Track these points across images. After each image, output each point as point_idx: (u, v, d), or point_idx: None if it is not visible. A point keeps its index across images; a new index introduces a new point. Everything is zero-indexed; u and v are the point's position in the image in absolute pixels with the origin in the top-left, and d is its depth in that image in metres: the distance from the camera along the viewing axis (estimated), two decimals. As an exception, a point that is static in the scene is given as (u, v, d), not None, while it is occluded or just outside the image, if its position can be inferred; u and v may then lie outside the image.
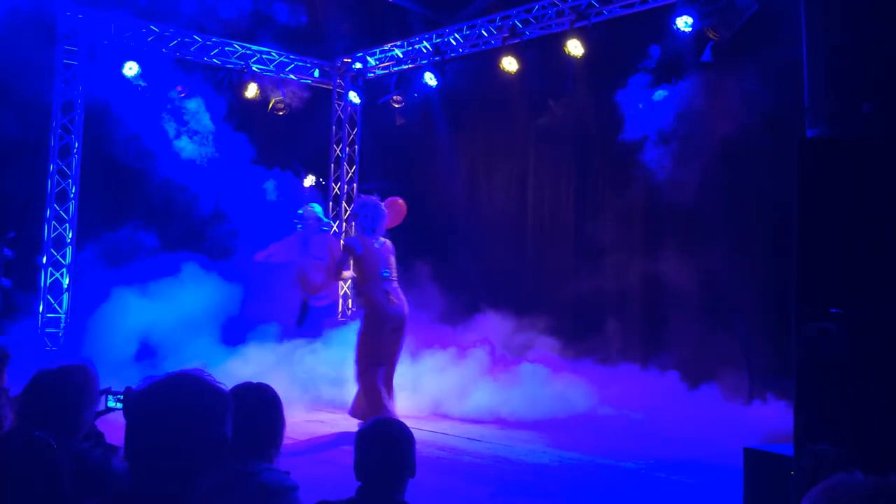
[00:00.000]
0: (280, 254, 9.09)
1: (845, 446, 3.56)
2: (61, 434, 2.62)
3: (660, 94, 8.98)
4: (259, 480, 2.53)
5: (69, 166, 10.15)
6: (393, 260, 7.44)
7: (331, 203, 12.20)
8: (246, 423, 2.24)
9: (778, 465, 4.24)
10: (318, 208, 9.15)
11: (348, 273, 7.55)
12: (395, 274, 7.41)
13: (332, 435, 7.20)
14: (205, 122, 10.45)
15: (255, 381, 2.80)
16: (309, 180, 9.78)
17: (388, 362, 7.24)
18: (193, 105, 10.46)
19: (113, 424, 2.98)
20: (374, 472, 2.66)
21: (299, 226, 8.98)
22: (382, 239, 7.49)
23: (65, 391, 2.76)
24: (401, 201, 9.51)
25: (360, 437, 2.73)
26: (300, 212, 9.17)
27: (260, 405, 2.70)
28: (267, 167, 10.82)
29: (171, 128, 10.26)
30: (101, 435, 3.08)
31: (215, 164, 10.44)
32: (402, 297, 7.40)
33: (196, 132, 10.44)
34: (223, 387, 1.95)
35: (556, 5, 9.48)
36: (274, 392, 2.79)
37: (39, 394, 2.73)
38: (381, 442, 2.70)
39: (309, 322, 9.15)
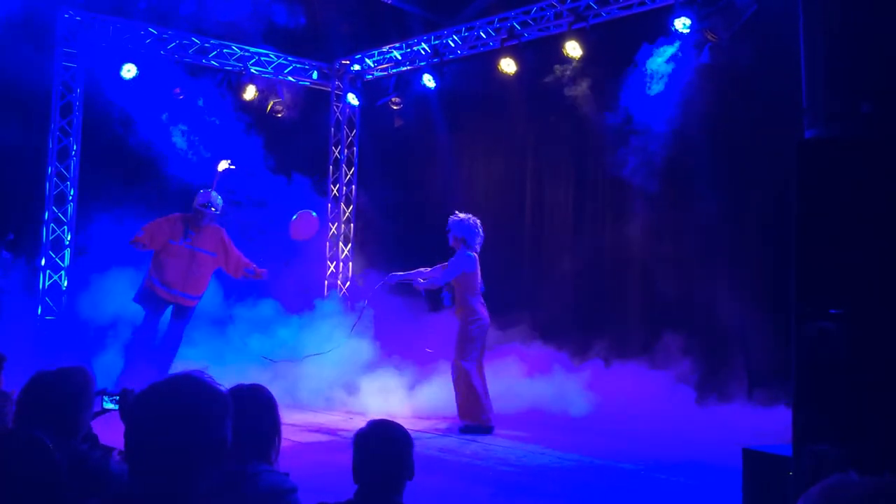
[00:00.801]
0: (156, 240, 8.17)
1: (845, 447, 3.55)
2: (60, 435, 2.61)
3: (658, 95, 8.97)
4: (259, 482, 2.53)
5: (67, 169, 10.14)
6: None
7: (329, 205, 12.18)
8: (244, 425, 2.23)
9: (777, 466, 4.24)
10: (220, 199, 8.54)
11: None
12: None
13: (331, 435, 7.20)
14: (203, 122, 10.45)
15: (247, 382, 2.80)
16: (223, 164, 9.20)
17: (481, 363, 7.81)
18: (191, 106, 10.45)
19: (107, 425, 2.99)
20: (372, 475, 2.66)
21: (213, 209, 8.33)
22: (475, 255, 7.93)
23: (64, 393, 2.76)
24: (314, 214, 9.31)
25: (359, 439, 2.73)
26: (210, 193, 8.44)
27: (256, 406, 2.70)
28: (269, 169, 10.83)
29: (169, 128, 10.24)
30: (94, 437, 3.08)
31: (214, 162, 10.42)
32: None
33: (194, 132, 10.43)
34: (223, 388, 1.95)
35: (554, 7, 9.48)
36: (269, 393, 2.80)
37: (38, 395, 2.74)
38: (380, 444, 2.70)
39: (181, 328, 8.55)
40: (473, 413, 7.54)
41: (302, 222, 9.26)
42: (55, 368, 2.81)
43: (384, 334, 9.85)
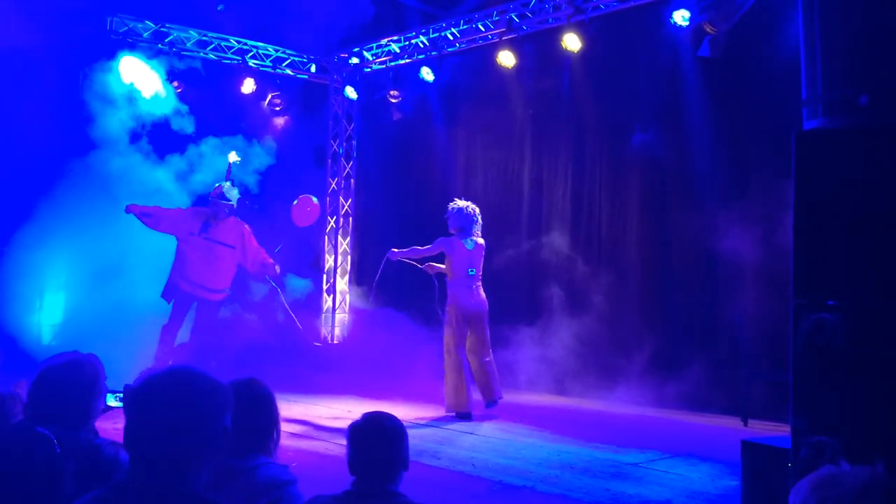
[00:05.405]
0: (162, 223, 8.40)
1: (843, 437, 3.56)
2: (70, 427, 2.62)
3: (657, 87, 8.97)
4: (258, 474, 2.53)
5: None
6: (481, 260, 8.02)
7: (328, 198, 12.17)
8: (243, 418, 2.23)
9: (776, 458, 4.25)
10: (235, 192, 8.71)
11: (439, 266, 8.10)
12: (480, 272, 7.99)
13: (330, 428, 7.20)
14: (202, 120, 10.39)
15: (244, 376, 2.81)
16: (232, 156, 9.29)
17: (470, 349, 7.85)
18: (191, 102, 10.38)
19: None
20: (367, 466, 2.68)
21: (228, 201, 8.55)
22: (475, 240, 8.01)
23: (74, 384, 2.75)
24: (313, 201, 9.45)
25: (353, 432, 2.75)
26: (223, 185, 8.65)
27: (255, 399, 2.71)
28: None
29: (163, 126, 10.14)
30: (95, 431, 3.07)
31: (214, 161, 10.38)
32: (482, 294, 7.98)
33: (192, 130, 10.36)
34: (221, 380, 1.96)
35: (552, -1, 9.46)
36: (266, 386, 2.81)
37: (48, 387, 2.73)
38: (374, 436, 2.72)
39: None
40: (458, 402, 7.73)
41: (301, 208, 9.48)
42: (64, 360, 2.81)
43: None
